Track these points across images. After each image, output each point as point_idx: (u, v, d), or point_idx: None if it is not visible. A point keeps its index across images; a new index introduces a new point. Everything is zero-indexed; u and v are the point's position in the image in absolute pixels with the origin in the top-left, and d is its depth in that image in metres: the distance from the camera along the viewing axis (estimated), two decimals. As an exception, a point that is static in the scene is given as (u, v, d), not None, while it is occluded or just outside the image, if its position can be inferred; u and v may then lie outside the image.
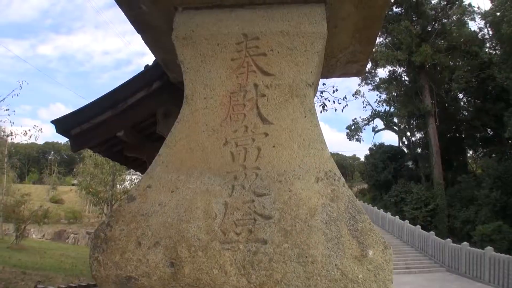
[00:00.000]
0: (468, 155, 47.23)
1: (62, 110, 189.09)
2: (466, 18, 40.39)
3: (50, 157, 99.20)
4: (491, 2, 35.28)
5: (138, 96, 4.55)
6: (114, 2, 2.14)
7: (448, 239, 26.15)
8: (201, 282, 1.82)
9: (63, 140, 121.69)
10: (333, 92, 14.84)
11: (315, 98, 13.41)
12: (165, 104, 4.56)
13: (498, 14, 28.07)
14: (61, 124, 4.88)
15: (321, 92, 14.32)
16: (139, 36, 2.51)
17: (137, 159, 6.80)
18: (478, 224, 29.43)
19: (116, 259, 1.85)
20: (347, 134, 50.05)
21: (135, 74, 4.65)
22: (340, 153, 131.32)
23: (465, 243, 24.09)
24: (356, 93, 48.13)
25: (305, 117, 2.03)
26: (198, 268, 1.83)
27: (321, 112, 15.15)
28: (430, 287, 21.04)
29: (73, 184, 72.00)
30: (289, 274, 1.78)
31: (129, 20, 2.30)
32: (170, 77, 2.93)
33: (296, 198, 1.88)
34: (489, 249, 21.30)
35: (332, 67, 2.66)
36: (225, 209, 1.93)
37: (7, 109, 22.23)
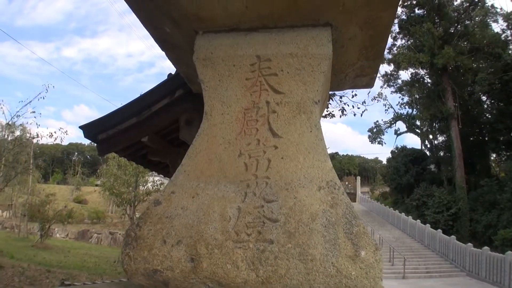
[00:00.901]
0: (492, 158, 46.15)
1: (86, 112, 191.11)
2: (489, 20, 39.83)
3: (74, 158, 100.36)
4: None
5: (162, 104, 4.79)
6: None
7: (469, 244, 25.95)
8: (217, 275, 2.01)
9: (86, 141, 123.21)
10: (352, 97, 14.88)
11: (335, 103, 13.48)
12: (187, 111, 4.77)
13: None
14: (88, 130, 5.14)
15: (340, 97, 14.38)
16: None
17: (160, 162, 7.02)
18: (500, 228, 28.98)
19: (144, 255, 2.08)
20: (369, 137, 49.78)
21: (159, 83, 4.90)
22: (362, 155, 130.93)
23: (485, 247, 23.84)
24: (379, 95, 47.98)
25: (310, 131, 2.20)
26: (214, 263, 2.03)
27: (340, 116, 15.19)
28: None
29: (96, 185, 72.84)
30: (291, 270, 1.98)
31: (154, 39, 2.50)
32: (192, 89, 3.12)
33: (300, 204, 2.06)
34: (510, 253, 21.08)
35: (342, 81, 2.83)
36: (238, 213, 2.12)
37: (33, 111, 22.63)
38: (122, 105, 5.03)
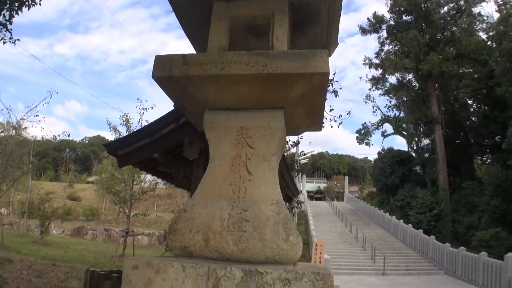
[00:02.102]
0: (476, 161, 46.66)
1: (77, 108, 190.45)
2: (475, 27, 40.46)
3: (65, 155, 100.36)
4: (499, 13, 35.99)
5: (169, 128, 6.05)
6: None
7: (447, 244, 26.98)
8: (218, 249, 3.10)
9: (78, 138, 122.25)
10: (330, 111, 15.94)
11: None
12: (189, 134, 5.93)
13: (501, 27, 28.64)
14: (111, 147, 6.44)
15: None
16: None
17: (166, 172, 8.27)
18: (481, 230, 29.71)
19: (179, 238, 3.20)
20: (357, 138, 50.27)
21: (167, 112, 6.17)
22: (352, 155, 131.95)
23: (462, 247, 24.89)
24: (367, 97, 48.95)
25: (269, 172, 3.26)
26: (217, 242, 3.12)
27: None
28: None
29: (88, 182, 73.25)
30: (255, 245, 3.08)
31: (179, 109, 3.74)
32: (198, 129, 4.34)
33: (261, 212, 3.08)
34: (483, 254, 22.08)
35: (297, 130, 3.98)
36: (229, 216, 3.24)
37: (37, 115, 23.37)
38: (137, 129, 6.33)
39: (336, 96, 13.98)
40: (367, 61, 48.00)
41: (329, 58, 3.11)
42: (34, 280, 13.12)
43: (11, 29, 10.01)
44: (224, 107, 3.28)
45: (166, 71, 3.10)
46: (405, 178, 47.31)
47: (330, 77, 15.19)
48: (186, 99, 3.38)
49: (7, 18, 8.91)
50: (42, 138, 24.78)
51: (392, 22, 46.15)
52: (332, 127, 13.87)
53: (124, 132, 26.92)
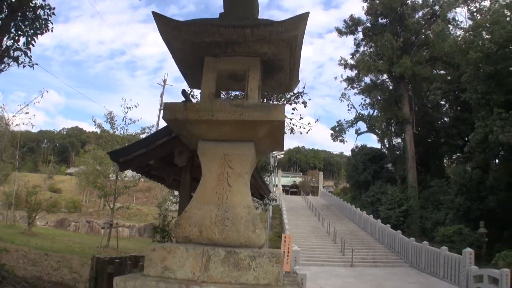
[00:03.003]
0: (445, 160, 48.50)
1: (55, 98, 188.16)
2: (449, 31, 40.37)
3: (43, 145, 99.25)
4: (471, 20, 37.27)
5: (162, 140, 7.40)
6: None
7: (412, 238, 28.43)
8: (208, 237, 4.21)
9: (57, 128, 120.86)
10: (300, 119, 17.28)
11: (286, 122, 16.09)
12: (179, 146, 7.19)
13: (470, 36, 29.84)
14: (114, 155, 7.77)
15: (290, 119, 16.81)
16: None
17: (158, 175, 9.61)
18: (447, 225, 30.88)
19: (182, 230, 4.32)
20: (331, 135, 50.97)
21: (162, 127, 7.52)
22: (328, 150, 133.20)
23: (425, 242, 26.27)
24: (342, 96, 49.85)
25: (243, 185, 4.44)
26: (207, 233, 4.24)
27: (290, 133, 17.57)
28: (390, 279, 22.84)
29: (67, 174, 72.98)
30: (233, 235, 4.23)
31: (181, 139, 5.11)
32: (190, 148, 5.65)
33: (237, 213, 4.25)
34: (444, 248, 23.45)
35: (263, 153, 5.29)
36: (215, 216, 4.47)
37: (27, 112, 24.12)
38: (136, 141, 7.68)
39: (305, 107, 15.55)
40: (342, 62, 49.12)
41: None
42: (29, 268, 14.01)
43: (31, 56, 10.90)
44: (212, 139, 4.59)
45: (172, 115, 4.42)
46: (377, 175, 48.53)
47: (300, 90, 16.80)
48: (185, 132, 4.70)
49: (26, 45, 9.82)
50: (26, 130, 25.66)
51: (368, 24, 47.48)
52: (301, 133, 15.44)
53: (109, 128, 28.09)
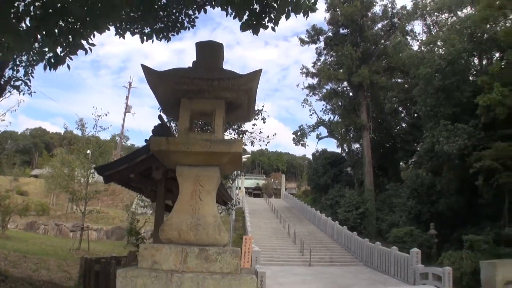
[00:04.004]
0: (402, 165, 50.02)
1: (18, 96, 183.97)
2: (407, 43, 42.66)
3: (7, 147, 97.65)
4: (428, 34, 39.02)
5: (142, 157, 8.76)
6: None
7: (366, 239, 29.95)
8: (185, 238, 5.43)
9: (20, 129, 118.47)
10: (260, 133, 19.28)
11: (246, 136, 17.78)
12: (157, 162, 8.51)
13: (419, 54, 31.39)
14: (100, 170, 9.12)
15: (251, 133, 18.79)
16: None
17: (137, 186, 10.97)
18: (401, 227, 32.09)
19: (165, 234, 5.52)
20: (293, 139, 51.80)
21: (142, 146, 8.92)
22: (291, 153, 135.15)
23: (378, 242, 27.88)
24: (304, 101, 51.02)
25: (211, 199, 5.74)
26: (185, 235, 5.44)
27: (251, 145, 19.71)
28: (344, 276, 24.02)
29: (31, 176, 72.12)
30: (203, 236, 5.47)
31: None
32: (167, 167, 7.07)
33: (207, 221, 5.49)
34: (394, 248, 24.96)
35: (226, 173, 6.89)
36: (190, 223, 5.81)
37: (3, 120, 24.68)
38: (119, 158, 9.07)
39: (264, 123, 17.28)
40: (304, 70, 50.70)
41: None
42: (11, 270, 14.59)
43: (30, 85, 11.81)
44: (187, 164, 5.97)
45: (157, 147, 5.81)
46: (337, 178, 50.09)
47: (260, 108, 18.65)
48: (167, 159, 6.08)
49: (25, 75, 10.72)
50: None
51: (330, 34, 49.03)
52: (260, 145, 17.20)
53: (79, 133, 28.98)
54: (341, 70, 44.35)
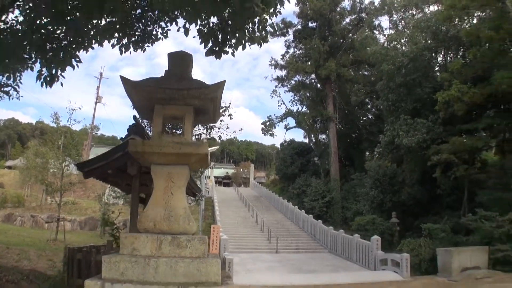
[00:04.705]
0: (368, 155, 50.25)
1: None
2: (375, 37, 44.27)
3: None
4: (393, 30, 39.99)
5: (119, 154, 9.55)
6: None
7: (331, 227, 30.81)
8: (159, 228, 6.33)
9: None
10: (226, 128, 20.60)
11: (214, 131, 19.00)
12: (132, 159, 9.27)
13: (382, 51, 32.18)
14: (79, 166, 9.91)
15: (219, 128, 20.03)
16: None
17: (114, 181, 11.77)
18: (364, 216, 32.76)
19: (142, 224, 6.43)
20: (262, 129, 52.09)
21: (119, 144, 9.75)
22: (260, 142, 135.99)
23: (341, 230, 28.77)
24: (273, 92, 51.78)
25: (181, 193, 6.60)
26: (159, 225, 6.32)
27: (218, 139, 20.99)
28: (309, 263, 24.80)
29: (5, 167, 70.96)
30: (175, 227, 6.36)
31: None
32: (142, 165, 7.93)
33: (178, 212, 6.35)
34: (356, 236, 25.85)
35: (195, 170, 7.76)
36: (164, 214, 6.60)
37: None
38: (98, 155, 9.86)
39: (231, 119, 18.38)
40: (273, 62, 51.44)
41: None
42: None
43: (19, 91, 12.46)
44: (160, 163, 6.79)
45: (134, 148, 6.64)
46: (304, 168, 51.01)
47: (227, 105, 19.74)
48: (142, 159, 6.91)
49: (13, 80, 11.16)
50: None
51: (299, 27, 49.53)
52: (231, 135, 18.39)
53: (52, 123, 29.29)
54: (309, 63, 45.38)
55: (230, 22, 7.39)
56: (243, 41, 7.59)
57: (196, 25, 7.56)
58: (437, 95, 24.73)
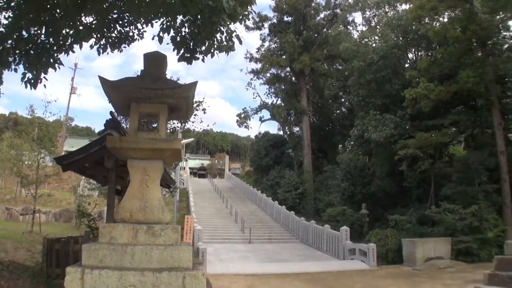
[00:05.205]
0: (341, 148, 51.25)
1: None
2: (349, 32, 43.76)
3: None
4: (366, 26, 40.30)
5: (96, 148, 9.97)
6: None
7: (302, 218, 31.72)
8: (136, 218, 6.59)
9: None
10: (200, 122, 21.51)
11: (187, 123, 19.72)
12: (109, 152, 9.67)
13: (354, 48, 32.79)
14: (58, 160, 10.34)
15: (192, 122, 20.73)
16: None
17: (91, 174, 12.22)
18: (335, 207, 33.31)
19: (120, 214, 6.72)
20: (237, 121, 52.87)
21: (96, 138, 10.19)
22: (235, 133, 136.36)
23: (312, 221, 29.62)
24: (248, 84, 52.65)
25: (156, 186, 7.01)
26: (136, 215, 6.62)
27: (192, 132, 21.75)
28: (280, 252, 25.72)
29: None
30: (150, 216, 6.68)
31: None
32: (119, 159, 8.42)
33: (153, 204, 6.75)
34: (326, 226, 26.74)
35: (169, 164, 8.28)
36: (140, 205, 7.11)
37: None
38: (76, 150, 10.31)
39: (204, 113, 19.02)
40: (248, 55, 51.77)
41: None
42: None
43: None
44: (137, 158, 7.21)
45: (112, 144, 7.08)
46: (278, 160, 51.65)
47: (200, 99, 20.34)
48: (119, 154, 7.40)
49: None
50: None
51: (274, 21, 50.09)
52: (202, 131, 18.91)
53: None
54: (283, 57, 46.10)
55: (200, 33, 8.06)
56: (211, 50, 8.25)
57: (168, 35, 8.15)
58: (405, 92, 25.61)
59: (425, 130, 26.09)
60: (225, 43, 8.13)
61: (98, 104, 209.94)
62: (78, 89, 60.49)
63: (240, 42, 8.40)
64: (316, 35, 47.74)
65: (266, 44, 51.33)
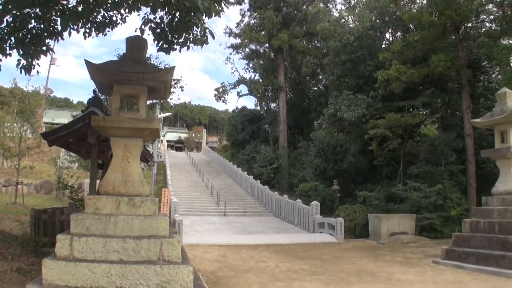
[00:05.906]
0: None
1: None
2: (328, 10, 43.48)
3: None
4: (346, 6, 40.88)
5: (80, 125, 10.56)
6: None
7: (276, 192, 32.47)
8: (118, 191, 7.28)
9: None
10: (178, 99, 22.00)
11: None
12: (92, 129, 10.20)
13: (331, 28, 32.78)
14: (44, 135, 10.94)
15: (170, 99, 21.34)
16: None
17: (75, 149, 12.80)
18: (309, 182, 33.91)
19: (104, 187, 7.42)
20: (215, 95, 53.22)
21: (80, 115, 10.79)
22: (213, 106, 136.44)
23: (285, 195, 30.46)
24: (227, 59, 53.87)
25: (136, 162, 7.64)
26: (118, 189, 7.28)
27: (170, 108, 22.39)
28: (254, 225, 26.46)
29: None
30: (131, 190, 7.28)
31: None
32: (102, 135, 9.07)
33: (133, 177, 7.39)
34: (298, 201, 27.56)
35: (148, 141, 8.93)
36: (121, 179, 7.62)
37: None
38: (60, 126, 10.91)
39: (182, 91, 19.63)
40: (227, 30, 51.99)
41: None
42: None
43: None
44: (119, 136, 7.77)
45: (96, 123, 7.69)
46: (255, 135, 52.38)
47: (178, 78, 20.87)
48: (103, 132, 8.03)
49: None
50: None
51: (255, -4, 49.75)
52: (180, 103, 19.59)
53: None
54: (262, 33, 46.41)
55: (177, 28, 8.79)
56: (187, 43, 9.02)
57: (150, 29, 8.87)
58: (377, 73, 26.25)
59: (396, 111, 26.76)
60: (199, 37, 8.87)
61: (77, 74, 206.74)
62: (57, 60, 59.60)
63: (213, 37, 9.13)
64: (295, 11, 47.88)
65: (246, 19, 51.63)
